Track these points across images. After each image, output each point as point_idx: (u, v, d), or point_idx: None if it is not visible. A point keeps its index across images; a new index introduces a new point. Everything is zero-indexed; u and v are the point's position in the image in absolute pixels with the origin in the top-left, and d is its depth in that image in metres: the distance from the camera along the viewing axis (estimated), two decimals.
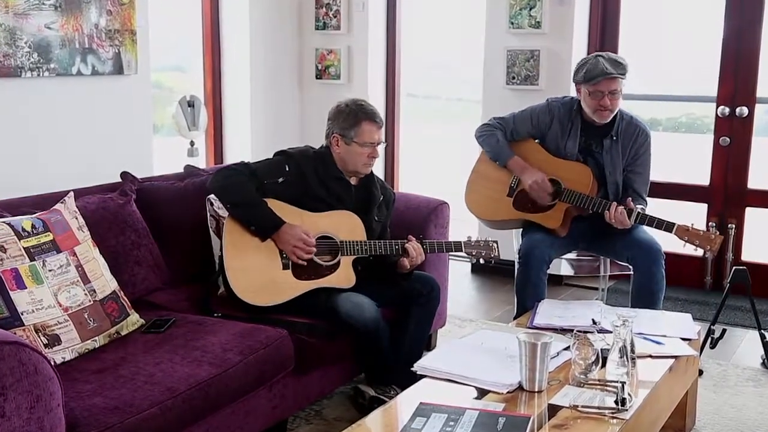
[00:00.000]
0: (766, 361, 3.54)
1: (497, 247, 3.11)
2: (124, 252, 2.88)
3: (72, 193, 2.71)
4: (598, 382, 2.27)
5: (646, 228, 3.32)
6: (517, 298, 3.35)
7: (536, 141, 3.51)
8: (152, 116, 4.19)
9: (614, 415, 2.09)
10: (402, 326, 3.04)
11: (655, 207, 3.45)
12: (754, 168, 4.47)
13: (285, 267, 2.91)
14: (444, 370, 2.34)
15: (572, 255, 3.68)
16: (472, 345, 2.58)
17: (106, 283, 2.57)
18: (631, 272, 3.35)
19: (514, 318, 3.19)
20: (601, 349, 2.34)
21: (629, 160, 3.40)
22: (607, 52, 3.38)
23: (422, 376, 2.36)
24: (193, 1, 4.97)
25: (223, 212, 3.03)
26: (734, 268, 3.51)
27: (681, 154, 5.61)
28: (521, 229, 3.56)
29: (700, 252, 3.17)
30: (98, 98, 3.81)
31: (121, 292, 2.64)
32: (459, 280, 4.81)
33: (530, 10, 4.61)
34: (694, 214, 4.27)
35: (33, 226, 2.41)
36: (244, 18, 4.97)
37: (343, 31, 5.23)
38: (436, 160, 7.89)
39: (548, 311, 2.96)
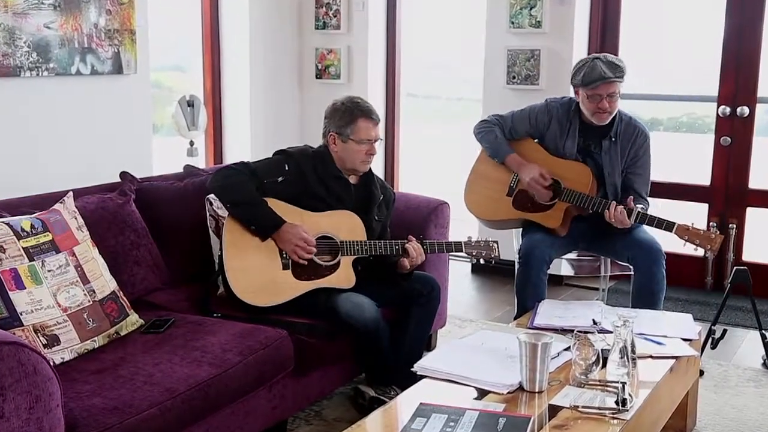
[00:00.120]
0: (767, 361, 3.54)
1: (497, 247, 3.10)
2: (123, 252, 2.88)
3: (71, 193, 2.70)
4: (598, 383, 2.26)
5: (646, 228, 3.32)
6: (518, 298, 3.34)
7: (535, 141, 3.51)
8: (152, 116, 4.18)
9: (615, 415, 2.09)
10: (402, 326, 3.04)
11: (656, 207, 3.45)
12: (755, 168, 4.47)
13: (285, 267, 2.90)
14: (444, 371, 2.34)
15: (573, 255, 3.67)
16: (473, 345, 2.57)
17: (105, 283, 2.56)
18: (632, 272, 3.35)
19: (515, 318, 3.18)
20: (602, 350, 2.33)
21: (629, 162, 3.39)
22: (605, 53, 3.37)
23: (422, 377, 2.36)
24: (192, 1, 4.97)
25: (223, 212, 3.03)
26: (735, 268, 3.50)
27: (682, 154, 5.61)
28: (521, 229, 3.56)
29: (700, 252, 3.17)
30: (97, 98, 3.80)
31: (121, 293, 2.63)
32: (459, 281, 4.81)
33: (531, 9, 4.60)
34: (695, 214, 4.26)
35: (32, 226, 2.40)
36: (244, 17, 4.96)
37: (343, 31, 5.22)
38: (436, 160, 7.88)
39: (548, 311, 2.95)
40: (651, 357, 2.54)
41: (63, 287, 2.39)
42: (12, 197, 2.79)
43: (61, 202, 2.61)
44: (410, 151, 5.98)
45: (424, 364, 2.41)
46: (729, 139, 4.47)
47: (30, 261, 2.34)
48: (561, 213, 3.37)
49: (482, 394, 2.23)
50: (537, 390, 2.23)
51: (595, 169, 3.38)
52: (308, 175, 2.97)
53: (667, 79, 4.97)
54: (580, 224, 3.42)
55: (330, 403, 3.09)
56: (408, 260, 2.97)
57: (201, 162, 4.81)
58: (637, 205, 3.23)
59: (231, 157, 5.08)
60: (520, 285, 3.32)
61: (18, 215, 2.48)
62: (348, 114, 2.98)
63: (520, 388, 2.25)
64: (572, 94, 3.44)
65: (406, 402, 2.20)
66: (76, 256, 2.48)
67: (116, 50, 3.78)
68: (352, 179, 3.07)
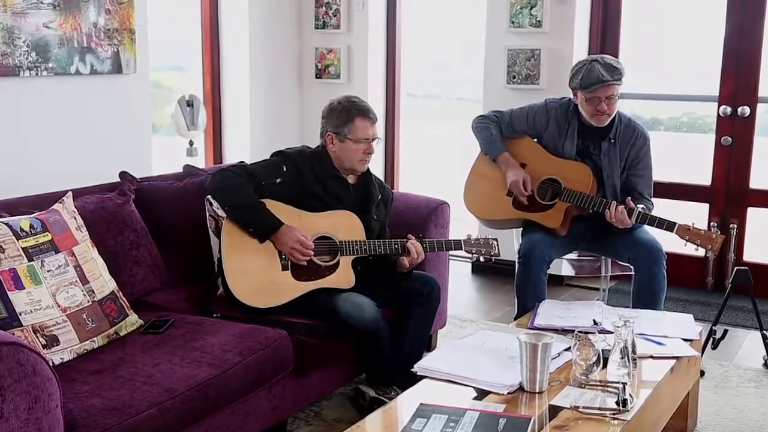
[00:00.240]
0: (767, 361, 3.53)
1: (497, 244, 3.10)
2: (122, 252, 2.87)
3: (70, 193, 2.70)
4: (599, 383, 2.26)
5: (647, 228, 3.31)
6: (518, 298, 3.34)
7: (535, 140, 3.51)
8: (151, 116, 4.18)
9: (615, 416, 2.09)
10: (402, 326, 3.03)
11: (657, 207, 3.44)
12: (756, 168, 4.46)
13: (284, 268, 2.90)
14: (444, 371, 2.33)
15: (573, 255, 3.67)
16: (473, 345, 2.57)
17: (104, 283, 2.56)
18: (632, 273, 3.34)
19: (515, 318, 3.18)
20: (602, 350, 2.33)
21: (629, 164, 3.39)
22: (603, 55, 3.36)
23: (422, 377, 2.35)
24: (192, 0, 4.96)
25: (223, 212, 3.02)
26: (736, 268, 3.50)
27: (683, 154, 5.60)
28: (521, 229, 3.55)
29: (701, 252, 3.16)
30: (97, 98, 3.80)
31: (120, 293, 2.63)
32: (459, 281, 4.80)
33: (531, 9, 4.60)
34: (696, 214, 4.26)
35: (31, 226, 2.40)
36: (244, 17, 4.96)
37: (342, 31, 5.22)
38: (436, 160, 7.88)
39: (549, 312, 2.95)
40: (652, 357, 2.54)
41: (62, 287, 2.39)
42: (11, 197, 2.78)
43: (60, 202, 2.60)
44: (410, 151, 5.98)
45: (425, 364, 2.40)
46: (730, 138, 4.46)
47: (29, 261, 2.33)
48: (561, 213, 3.36)
49: (482, 394, 2.22)
50: (537, 390, 2.22)
51: (595, 170, 3.37)
52: (306, 176, 2.96)
53: (668, 78, 4.96)
54: (581, 224, 3.42)
55: (330, 403, 3.08)
56: (408, 259, 2.97)
57: (200, 162, 4.81)
58: (638, 205, 3.22)
59: (230, 157, 5.08)
60: (520, 285, 3.32)
61: (17, 215, 2.47)
62: (345, 113, 2.98)
63: (521, 388, 2.24)
64: (572, 95, 3.43)
65: (406, 402, 2.19)
66: (75, 256, 2.48)
67: (115, 50, 3.78)
68: (350, 179, 3.07)
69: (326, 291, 2.89)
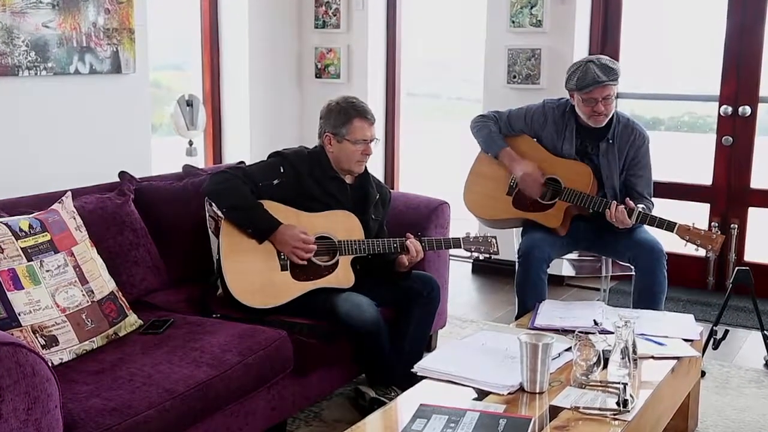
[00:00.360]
0: None
1: (496, 242, 3.10)
2: (122, 252, 2.87)
3: (69, 193, 2.69)
4: (599, 384, 2.25)
5: (647, 228, 3.31)
6: (518, 297, 3.34)
7: (535, 140, 3.50)
8: (150, 115, 4.17)
9: (616, 416, 2.08)
10: (402, 327, 3.03)
11: (657, 207, 3.43)
12: (757, 168, 4.45)
13: (283, 268, 2.89)
14: (444, 371, 2.33)
15: (574, 255, 3.66)
16: (473, 346, 2.56)
17: (104, 283, 2.55)
18: (633, 273, 3.34)
19: (516, 318, 3.17)
20: (603, 350, 2.32)
21: (628, 164, 3.38)
22: (599, 56, 3.35)
23: (423, 377, 2.35)
24: (191, 0, 4.96)
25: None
26: (737, 268, 3.49)
27: (683, 154, 5.59)
28: (521, 229, 3.55)
29: (701, 252, 3.15)
30: (96, 97, 3.79)
31: (120, 293, 2.62)
32: (459, 281, 4.79)
33: (531, 8, 4.59)
34: (697, 214, 4.25)
35: (30, 226, 2.39)
36: (243, 17, 4.95)
37: (342, 30, 5.21)
38: (436, 160, 7.87)
39: (549, 312, 2.94)
40: (652, 358, 2.53)
41: (61, 287, 2.38)
42: (10, 197, 2.77)
43: (59, 202, 2.59)
44: (410, 151, 5.97)
45: (425, 364, 2.40)
46: (731, 138, 4.45)
47: (28, 261, 2.33)
48: (561, 212, 3.36)
49: (483, 394, 2.22)
50: (538, 391, 2.22)
51: (594, 171, 3.36)
52: (304, 177, 2.96)
53: (669, 78, 4.96)
54: (581, 224, 3.41)
55: (330, 403, 3.08)
56: (407, 257, 2.96)
57: (200, 162, 4.80)
58: (639, 205, 3.22)
59: (230, 157, 5.07)
60: (520, 284, 3.31)
61: (16, 215, 2.47)
62: (343, 114, 2.97)
63: (521, 388, 2.24)
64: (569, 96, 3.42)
65: (406, 403, 2.19)
66: (74, 257, 2.47)
67: (115, 49, 3.77)
68: (348, 179, 3.07)
69: (326, 291, 2.89)
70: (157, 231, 3.06)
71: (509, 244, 3.68)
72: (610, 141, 3.36)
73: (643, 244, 3.30)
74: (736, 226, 4.46)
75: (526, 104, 3.57)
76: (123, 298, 2.63)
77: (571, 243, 3.47)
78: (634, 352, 2.35)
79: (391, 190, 3.31)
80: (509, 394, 2.21)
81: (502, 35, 4.71)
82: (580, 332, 2.40)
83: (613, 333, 2.38)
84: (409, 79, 5.85)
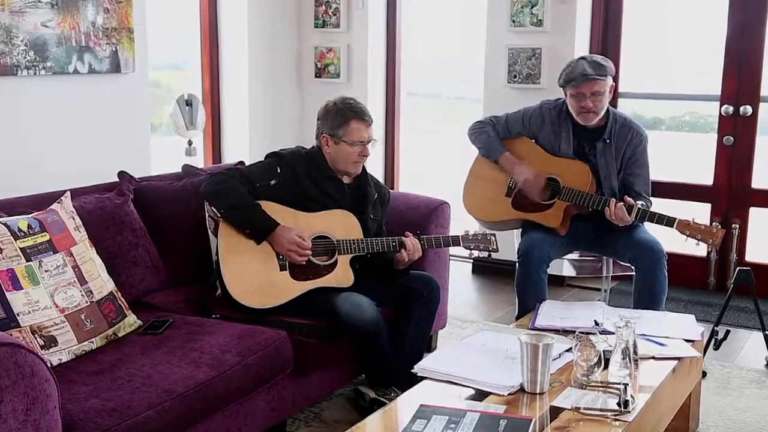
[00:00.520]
0: None
1: (495, 240, 3.09)
2: (121, 252, 2.86)
3: (69, 193, 2.69)
4: (600, 384, 2.24)
5: (648, 228, 3.30)
6: (518, 297, 3.33)
7: (533, 141, 3.50)
8: (150, 115, 4.16)
9: (617, 417, 2.07)
10: (402, 327, 3.02)
11: (658, 206, 3.42)
12: (758, 167, 4.45)
13: (282, 268, 2.89)
14: (445, 372, 2.32)
15: (574, 255, 3.66)
16: (473, 346, 2.55)
17: (103, 283, 2.54)
18: (634, 273, 3.33)
19: (516, 319, 3.17)
20: (604, 351, 2.31)
21: (625, 163, 3.38)
22: (592, 54, 3.35)
23: (423, 378, 2.34)
24: None
25: None
26: (738, 268, 3.49)
27: (684, 154, 5.58)
28: (521, 229, 3.54)
29: (703, 251, 3.15)
30: (95, 97, 3.78)
31: (119, 293, 2.62)
32: (460, 281, 4.79)
33: (532, 8, 4.58)
34: (698, 214, 4.21)
35: (29, 227, 2.38)
36: (243, 16, 4.94)
37: (342, 29, 5.20)
38: (436, 160, 7.86)
39: (550, 312, 2.93)
40: (653, 358, 2.52)
41: (60, 288, 2.37)
42: (9, 197, 2.77)
43: (58, 202, 2.59)
44: (410, 151, 5.96)
45: (425, 365, 2.39)
46: (732, 138, 4.45)
47: (27, 261, 2.32)
48: (561, 212, 3.35)
49: (483, 395, 2.21)
50: (538, 391, 2.21)
51: (592, 171, 3.36)
52: (301, 177, 2.95)
53: (670, 78, 4.95)
54: (582, 224, 3.41)
55: (330, 404, 3.07)
56: (406, 253, 2.95)
57: (199, 161, 4.79)
58: (638, 202, 3.21)
59: (229, 156, 5.06)
60: (520, 284, 3.31)
61: (15, 215, 2.46)
62: (341, 115, 2.97)
63: (521, 389, 2.23)
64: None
65: (406, 403, 2.18)
66: (73, 257, 2.47)
67: (114, 49, 3.76)
68: (346, 179, 3.06)
69: (325, 291, 2.88)
70: (156, 231, 3.05)
71: (509, 245, 3.67)
72: (607, 140, 3.35)
73: (643, 244, 3.29)
74: (738, 226, 4.45)
75: (526, 104, 3.57)
76: (122, 299, 2.62)
77: (571, 243, 3.46)
78: (635, 352, 2.34)
79: (390, 190, 3.31)
80: (510, 394, 2.20)
81: (503, 35, 4.70)
82: (580, 333, 2.39)
83: (613, 333, 2.37)
84: (409, 79, 5.84)
